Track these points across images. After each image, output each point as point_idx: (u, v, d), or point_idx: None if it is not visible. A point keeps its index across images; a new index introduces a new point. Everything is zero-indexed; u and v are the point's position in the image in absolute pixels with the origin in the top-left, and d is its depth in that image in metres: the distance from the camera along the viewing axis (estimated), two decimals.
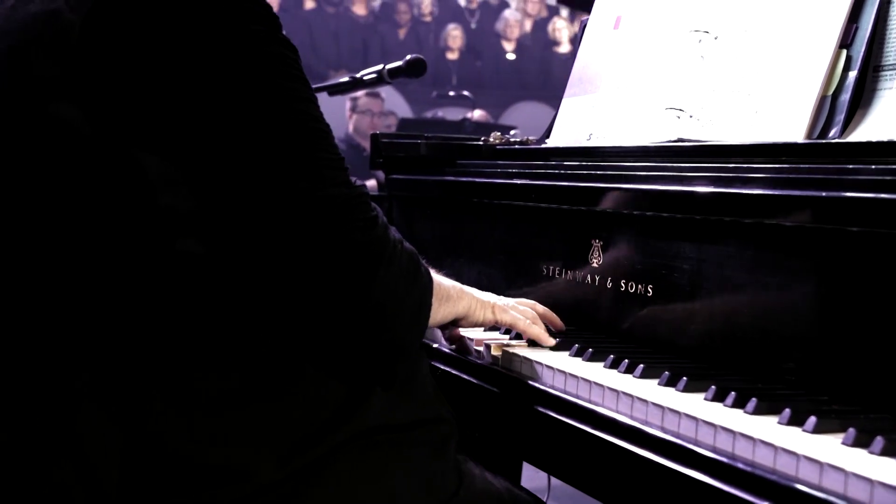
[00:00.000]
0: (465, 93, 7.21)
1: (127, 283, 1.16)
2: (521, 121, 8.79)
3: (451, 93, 7.55)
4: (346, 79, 2.79)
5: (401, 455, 1.30)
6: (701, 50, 1.71)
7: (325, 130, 1.21)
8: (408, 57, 2.73)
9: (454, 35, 10.51)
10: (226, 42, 1.14)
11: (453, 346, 1.66)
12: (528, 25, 11.05)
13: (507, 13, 10.89)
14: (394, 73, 2.74)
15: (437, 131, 5.74)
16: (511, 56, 10.57)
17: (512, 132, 4.45)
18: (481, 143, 2.20)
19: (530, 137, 2.24)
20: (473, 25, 11.40)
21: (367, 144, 6.82)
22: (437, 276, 1.43)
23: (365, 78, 2.77)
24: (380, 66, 2.76)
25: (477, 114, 7.64)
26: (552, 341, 1.55)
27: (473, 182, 2.00)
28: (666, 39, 1.80)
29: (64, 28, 1.15)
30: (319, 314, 1.19)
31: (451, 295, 1.50)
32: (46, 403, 1.17)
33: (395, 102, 8.25)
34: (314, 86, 1.51)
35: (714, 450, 1.10)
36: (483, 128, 5.73)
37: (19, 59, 1.18)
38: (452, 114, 7.70)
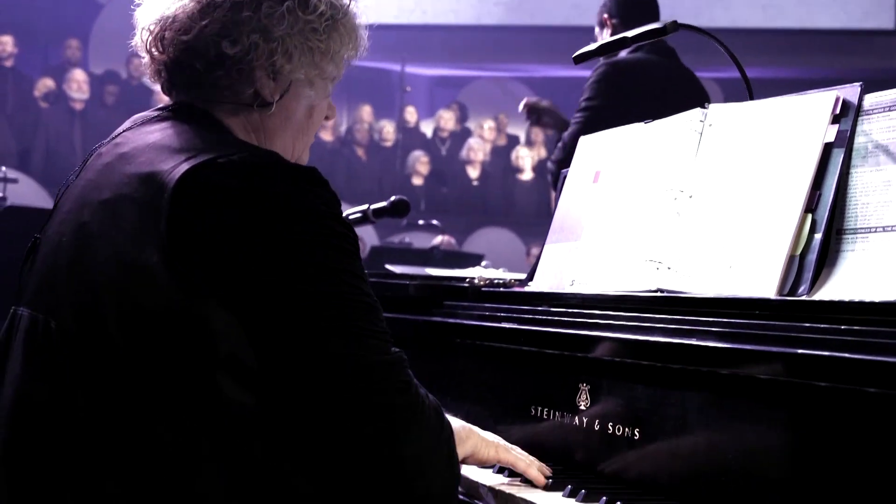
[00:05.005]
0: (434, 221, 7.45)
1: (177, 424, 1.27)
2: (485, 246, 8.97)
3: (420, 221, 7.78)
4: None
5: None
6: (677, 207, 1.86)
7: (373, 305, 1.36)
8: (392, 198, 2.87)
9: (423, 161, 10.77)
10: (291, 220, 1.30)
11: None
12: (491, 152, 11.34)
13: (472, 140, 11.19)
14: (378, 213, 2.88)
15: (408, 259, 5.89)
16: (475, 182, 10.82)
17: (483, 263, 4.58)
18: (466, 284, 2.31)
19: (514, 279, 2.36)
20: (444, 152, 11.68)
21: None
22: (449, 418, 1.52)
23: (351, 217, 2.89)
24: (365, 206, 2.90)
25: (441, 239, 7.81)
26: (544, 482, 1.65)
27: (462, 324, 2.10)
28: (643, 196, 1.95)
29: (158, 189, 1.30)
30: (361, 468, 1.32)
31: (462, 436, 1.60)
32: None
33: (361, 227, 8.40)
34: None
35: None
36: (452, 256, 5.90)
37: (110, 210, 1.34)
38: (419, 240, 7.88)
